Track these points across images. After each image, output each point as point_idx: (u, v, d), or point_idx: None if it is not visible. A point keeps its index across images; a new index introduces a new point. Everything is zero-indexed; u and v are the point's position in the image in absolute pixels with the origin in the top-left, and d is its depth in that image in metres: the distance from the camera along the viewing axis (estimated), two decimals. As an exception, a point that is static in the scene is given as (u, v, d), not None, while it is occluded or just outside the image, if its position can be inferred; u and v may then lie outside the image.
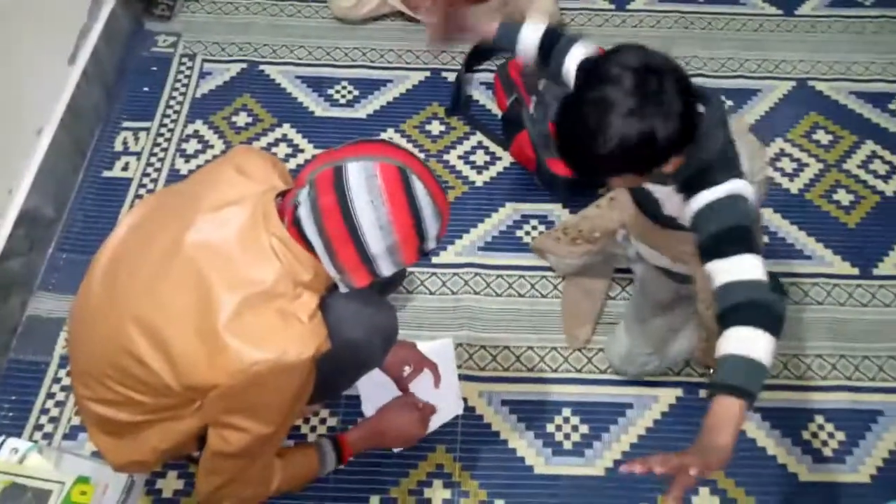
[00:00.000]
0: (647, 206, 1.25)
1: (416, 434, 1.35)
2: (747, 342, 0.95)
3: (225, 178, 1.04)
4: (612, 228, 1.49)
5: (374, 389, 1.41)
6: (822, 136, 1.89)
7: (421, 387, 1.42)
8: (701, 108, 1.04)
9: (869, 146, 1.87)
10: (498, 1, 2.00)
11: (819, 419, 1.46)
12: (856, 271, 1.66)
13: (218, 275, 0.95)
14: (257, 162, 1.09)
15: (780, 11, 2.17)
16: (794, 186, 1.80)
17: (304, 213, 0.93)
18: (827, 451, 1.43)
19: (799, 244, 1.70)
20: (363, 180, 0.92)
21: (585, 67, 1.05)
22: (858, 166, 1.84)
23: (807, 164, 1.84)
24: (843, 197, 1.78)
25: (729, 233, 1.02)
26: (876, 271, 1.66)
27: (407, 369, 1.41)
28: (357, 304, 1.13)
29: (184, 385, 0.97)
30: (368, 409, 1.40)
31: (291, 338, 0.94)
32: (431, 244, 0.99)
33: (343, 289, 1.01)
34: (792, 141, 1.88)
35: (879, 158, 1.85)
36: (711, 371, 1.45)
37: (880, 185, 1.81)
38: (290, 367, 0.94)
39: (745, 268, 1.00)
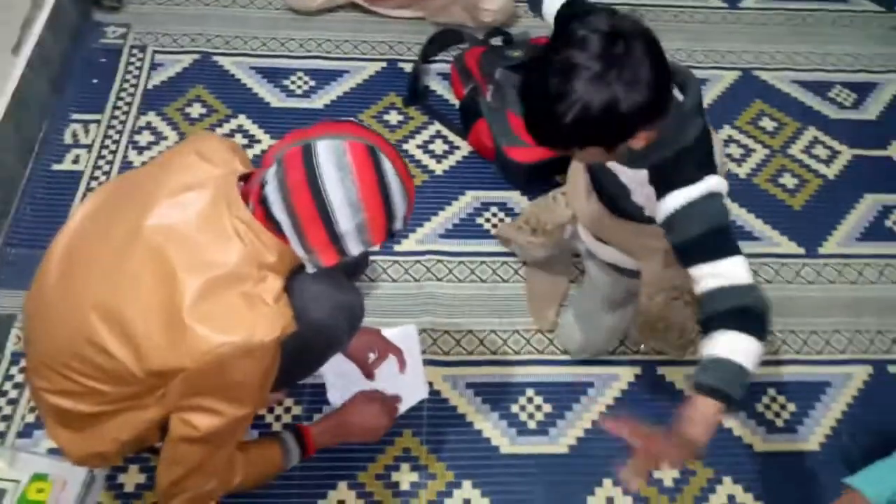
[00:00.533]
0: (611, 196, 1.23)
1: (381, 427, 1.35)
2: (737, 348, 0.97)
3: (185, 162, 1.03)
4: (561, 222, 1.47)
5: (339, 377, 1.41)
6: (768, 123, 1.97)
7: (386, 373, 1.42)
8: (678, 94, 1.02)
9: (811, 132, 1.96)
10: None
11: (771, 391, 1.52)
12: (802, 251, 1.73)
13: (179, 258, 0.94)
14: (217, 146, 1.07)
15: (724, 4, 2.25)
16: (742, 171, 1.87)
17: (272, 192, 0.92)
18: (779, 422, 1.48)
19: (748, 226, 1.76)
20: (333, 157, 0.91)
21: (559, 23, 1.03)
22: (802, 151, 1.92)
23: (753, 150, 1.91)
24: (788, 181, 1.85)
25: (712, 236, 1.02)
26: (821, 250, 1.74)
27: (372, 356, 1.41)
28: (322, 286, 1.13)
29: (148, 371, 0.95)
30: (334, 396, 1.40)
31: (257, 320, 0.93)
32: (399, 224, 0.98)
33: (310, 269, 1.00)
34: (739, 128, 1.95)
35: (821, 143, 1.94)
36: (642, 348, 1.53)
37: (823, 168, 1.89)
38: (256, 350, 0.93)
39: (732, 272, 1.00)
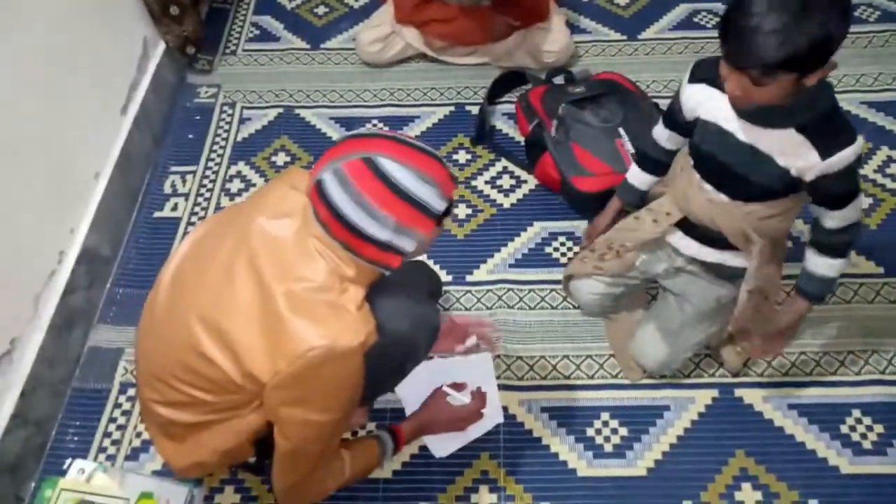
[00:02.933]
0: (739, 177, 1.24)
1: (462, 415, 1.42)
2: (835, 267, 1.27)
3: (280, 193, 1.12)
4: (646, 239, 1.47)
5: (413, 394, 1.48)
6: (837, 145, 1.95)
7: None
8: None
9: (884, 152, 1.93)
10: (513, 41, 2.12)
11: (856, 413, 1.48)
12: (881, 270, 1.70)
13: (273, 272, 1.03)
14: (307, 179, 1.17)
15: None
16: (814, 193, 1.85)
17: (321, 227, 1.01)
18: (867, 444, 1.44)
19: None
20: (338, 185, 0.97)
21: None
22: (875, 171, 1.89)
23: (824, 172, 1.89)
24: (862, 201, 1.82)
25: (850, 192, 1.19)
26: (901, 269, 1.70)
27: (459, 347, 1.50)
28: (402, 301, 1.21)
29: (246, 377, 1.03)
30: (410, 411, 1.47)
31: (342, 326, 1.00)
32: (439, 202, 1.00)
33: (385, 272, 1.07)
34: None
35: (895, 163, 1.90)
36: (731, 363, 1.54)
37: (898, 187, 1.86)
38: (343, 354, 1.00)
39: (850, 215, 1.21)
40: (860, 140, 1.13)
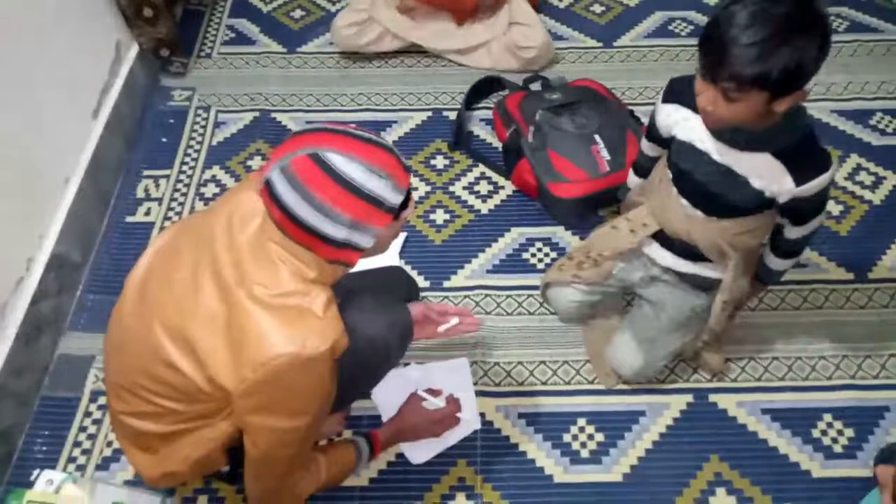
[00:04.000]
0: (714, 195, 1.26)
1: (437, 418, 1.42)
2: (788, 263, 1.39)
3: (242, 197, 1.08)
4: (623, 248, 1.48)
5: (389, 401, 1.48)
6: (809, 153, 1.98)
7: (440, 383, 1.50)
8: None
9: (854, 159, 1.97)
10: (494, 41, 2.13)
11: (827, 417, 1.50)
12: (851, 276, 1.73)
13: (238, 279, 1.00)
14: None
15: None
16: (786, 200, 1.88)
17: (278, 229, 0.99)
18: (837, 448, 1.46)
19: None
20: (286, 184, 0.93)
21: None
22: (846, 178, 1.92)
23: (796, 179, 1.92)
24: (832, 207, 1.86)
25: (818, 210, 1.24)
26: (871, 275, 1.73)
27: (441, 328, 1.39)
28: (373, 305, 1.20)
29: (212, 384, 1.01)
30: (387, 418, 1.47)
31: (308, 332, 0.97)
32: (394, 198, 0.97)
33: (347, 269, 1.05)
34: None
35: (865, 170, 1.94)
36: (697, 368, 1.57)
37: (868, 194, 1.89)
38: (310, 360, 0.97)
39: (810, 228, 1.27)
40: (835, 166, 1.19)
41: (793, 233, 1.29)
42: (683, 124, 1.27)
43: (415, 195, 1.86)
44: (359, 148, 0.94)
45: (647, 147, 1.45)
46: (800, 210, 1.24)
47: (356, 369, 1.13)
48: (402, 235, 1.80)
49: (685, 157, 1.28)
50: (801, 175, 1.16)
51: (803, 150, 1.17)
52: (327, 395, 1.07)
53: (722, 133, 1.20)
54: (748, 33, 0.99)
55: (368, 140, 0.97)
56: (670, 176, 1.34)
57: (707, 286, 1.43)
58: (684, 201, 1.32)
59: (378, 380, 1.35)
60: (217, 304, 1.01)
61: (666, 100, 1.31)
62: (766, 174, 1.18)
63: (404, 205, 1.01)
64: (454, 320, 1.36)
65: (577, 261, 1.55)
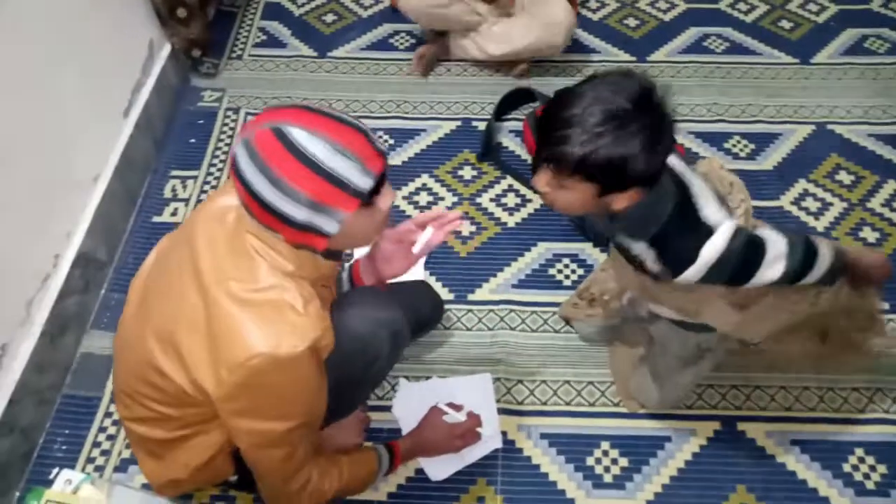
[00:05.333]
0: (634, 264, 1.21)
1: (457, 433, 1.39)
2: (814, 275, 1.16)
3: (225, 190, 1.06)
4: (614, 292, 1.46)
5: (410, 415, 1.46)
6: (845, 177, 1.94)
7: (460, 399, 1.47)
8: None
9: (891, 185, 1.92)
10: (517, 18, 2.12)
11: (859, 452, 1.46)
12: (886, 306, 1.68)
13: (215, 276, 0.97)
14: None
15: (796, 60, 2.26)
16: (820, 225, 1.84)
17: (245, 210, 0.95)
18: (870, 485, 1.42)
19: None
20: (248, 159, 0.89)
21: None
22: (882, 204, 1.88)
23: (831, 204, 1.88)
24: (868, 234, 1.82)
25: (740, 272, 1.10)
26: (907, 306, 1.68)
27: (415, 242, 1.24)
28: (365, 303, 1.17)
29: (198, 388, 0.98)
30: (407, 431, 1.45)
31: (286, 329, 0.93)
32: (362, 182, 0.91)
33: (317, 257, 1.00)
34: (815, 181, 1.93)
35: (902, 197, 1.90)
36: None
37: (905, 222, 1.85)
38: (288, 360, 0.93)
39: (770, 275, 1.11)
40: (710, 248, 1.05)
41: (750, 285, 1.14)
42: None
43: (441, 205, 1.87)
44: (326, 125, 0.89)
45: None
46: (721, 281, 1.12)
47: (344, 370, 1.10)
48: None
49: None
50: (671, 266, 1.09)
51: (670, 239, 1.08)
52: (313, 395, 1.03)
53: (597, 219, 1.15)
54: (578, 117, 0.96)
55: (340, 119, 0.91)
56: None
57: (699, 329, 1.33)
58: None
59: (373, 384, 1.33)
60: (197, 304, 0.97)
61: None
62: (650, 262, 1.13)
63: (377, 191, 0.94)
64: (427, 232, 1.20)
65: (587, 300, 1.54)
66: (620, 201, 1.04)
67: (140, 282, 1.12)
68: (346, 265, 1.28)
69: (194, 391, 0.99)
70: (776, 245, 1.11)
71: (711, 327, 1.33)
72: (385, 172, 0.95)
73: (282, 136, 0.88)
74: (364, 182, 0.91)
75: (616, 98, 0.96)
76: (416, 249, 1.20)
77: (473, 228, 1.83)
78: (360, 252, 1.26)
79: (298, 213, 0.90)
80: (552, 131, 0.99)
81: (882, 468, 1.44)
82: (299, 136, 0.87)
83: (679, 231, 1.08)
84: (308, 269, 0.99)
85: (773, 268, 1.11)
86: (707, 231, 1.07)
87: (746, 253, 1.08)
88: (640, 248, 1.13)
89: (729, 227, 1.07)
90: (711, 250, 1.06)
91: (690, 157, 1.82)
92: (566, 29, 2.08)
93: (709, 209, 1.09)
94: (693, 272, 1.08)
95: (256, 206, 0.91)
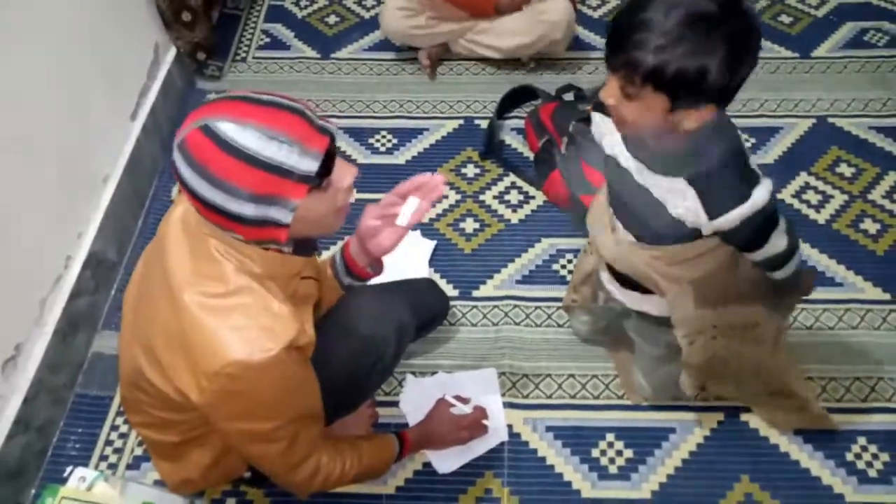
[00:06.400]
0: (640, 219, 1.15)
1: (464, 424, 1.41)
2: (785, 273, 1.19)
3: None
4: (587, 271, 1.42)
5: (417, 410, 1.48)
6: (846, 169, 1.95)
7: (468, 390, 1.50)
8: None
9: (892, 177, 1.93)
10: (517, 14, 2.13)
11: (861, 440, 1.48)
12: (887, 296, 1.69)
13: (182, 281, 0.94)
14: None
15: (795, 54, 2.27)
16: (821, 217, 1.85)
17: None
18: (872, 472, 1.44)
19: (830, 272, 1.74)
20: (184, 163, 0.85)
21: None
22: (883, 196, 1.89)
23: (832, 196, 1.90)
24: (869, 226, 1.83)
25: (758, 238, 1.09)
26: (908, 296, 1.70)
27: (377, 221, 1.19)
28: (370, 301, 1.19)
29: (179, 394, 0.98)
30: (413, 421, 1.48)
31: (258, 334, 0.92)
32: (303, 164, 0.86)
33: (284, 249, 0.97)
34: (816, 174, 1.95)
35: (904, 188, 1.91)
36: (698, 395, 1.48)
37: (906, 213, 1.86)
38: (264, 364, 0.92)
39: (770, 251, 1.12)
40: (759, 195, 1.01)
41: (755, 257, 1.15)
42: (609, 137, 1.14)
43: (445, 203, 1.89)
44: (255, 113, 0.84)
45: None
46: (735, 241, 1.11)
47: (352, 368, 1.12)
48: (432, 244, 1.80)
49: (613, 173, 1.16)
50: (712, 207, 1.02)
51: (716, 178, 1.01)
52: (298, 392, 1.02)
53: (637, 150, 1.08)
54: (655, 19, 0.88)
55: (268, 103, 0.86)
56: (608, 197, 1.23)
57: (665, 324, 1.27)
58: (618, 223, 1.20)
59: (379, 380, 1.34)
60: (170, 313, 0.95)
61: (596, 108, 1.16)
62: (681, 202, 1.05)
63: (326, 170, 0.89)
64: (412, 203, 1.14)
65: (573, 285, 1.52)
66: (691, 119, 0.96)
67: (131, 290, 1.11)
68: (338, 248, 1.27)
69: (180, 398, 0.99)
70: (781, 220, 1.10)
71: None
72: (331, 150, 0.89)
73: (210, 132, 0.83)
74: (307, 165, 0.86)
75: (700, 3, 0.87)
76: (400, 222, 1.14)
77: (477, 225, 1.85)
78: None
79: (246, 209, 0.86)
80: (625, 34, 0.90)
81: (885, 456, 1.45)
82: (227, 129, 0.83)
83: (733, 172, 1.01)
84: (277, 267, 0.96)
85: (781, 238, 1.10)
86: (755, 179, 1.02)
87: (773, 214, 1.06)
88: (674, 187, 1.04)
89: (769, 181, 1.03)
90: (759, 197, 1.00)
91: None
92: (566, 25, 2.10)
93: (751, 160, 1.05)
94: (735, 215, 1.01)
95: (204, 209, 0.88)
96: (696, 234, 1.09)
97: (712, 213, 1.03)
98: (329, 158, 0.89)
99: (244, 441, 1.04)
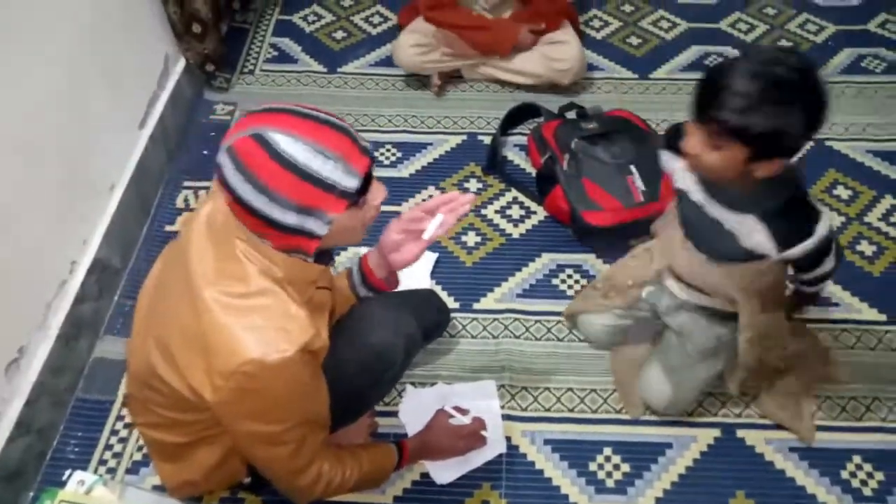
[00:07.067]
0: (711, 243, 1.28)
1: (463, 434, 1.42)
2: (817, 288, 1.36)
3: (215, 194, 1.03)
4: (645, 278, 1.49)
5: (416, 420, 1.48)
6: (842, 192, 1.98)
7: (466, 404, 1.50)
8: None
9: (888, 200, 1.96)
10: (530, 53, 2.18)
11: (857, 459, 1.49)
12: (883, 317, 1.71)
13: (205, 281, 0.97)
14: None
15: (794, 78, 2.30)
16: (819, 238, 1.87)
17: (235, 217, 0.95)
18: (867, 491, 1.45)
19: (826, 292, 1.76)
20: (231, 166, 0.89)
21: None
22: (879, 219, 1.92)
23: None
24: (865, 248, 1.85)
25: (819, 262, 1.24)
26: (904, 317, 1.72)
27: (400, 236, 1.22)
28: (381, 311, 1.21)
29: (193, 393, 0.99)
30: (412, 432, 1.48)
31: (276, 335, 0.94)
32: (347, 182, 0.90)
33: (307, 259, 1.00)
34: (814, 196, 1.97)
35: (900, 212, 1.94)
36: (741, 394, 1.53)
37: (902, 236, 1.88)
38: (279, 365, 0.94)
39: (821, 270, 1.27)
40: (820, 230, 1.15)
41: (805, 275, 1.30)
42: (678, 174, 1.28)
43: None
44: (306, 128, 0.88)
45: None
46: (797, 264, 1.26)
47: (359, 378, 1.13)
48: (434, 256, 1.82)
49: (683, 202, 1.30)
50: (783, 241, 1.17)
51: (787, 215, 1.16)
52: (309, 396, 1.04)
53: (708, 187, 1.21)
54: (741, 83, 1.02)
55: (320, 120, 0.90)
56: (678, 217, 1.34)
57: (728, 316, 1.41)
58: (689, 243, 1.32)
59: (385, 390, 1.36)
60: (189, 311, 0.97)
61: (665, 145, 1.32)
62: (751, 236, 1.19)
63: (364, 189, 0.94)
64: (437, 218, 1.17)
65: (602, 291, 1.56)
66: (764, 169, 1.09)
67: (147, 289, 1.14)
68: (357, 259, 1.30)
69: (194, 397, 1.00)
70: (833, 244, 1.23)
71: (733, 319, 1.38)
72: (371, 170, 0.95)
73: (263, 141, 0.87)
74: (350, 182, 0.91)
75: (784, 71, 1.02)
76: (426, 236, 1.17)
77: (478, 239, 1.87)
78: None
79: (287, 217, 0.90)
80: (716, 95, 1.04)
81: (879, 475, 1.46)
82: (280, 140, 0.87)
83: (800, 208, 1.17)
84: (297, 273, 0.99)
85: (831, 261, 1.25)
86: (816, 215, 1.17)
87: (829, 242, 1.20)
88: (744, 222, 1.18)
89: (826, 215, 1.18)
90: (820, 233, 1.16)
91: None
92: (578, 71, 2.17)
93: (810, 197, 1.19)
94: (800, 249, 1.16)
95: (244, 212, 0.91)
96: (763, 256, 1.22)
97: (782, 247, 1.17)
98: (367, 178, 0.94)
99: (253, 443, 1.06)
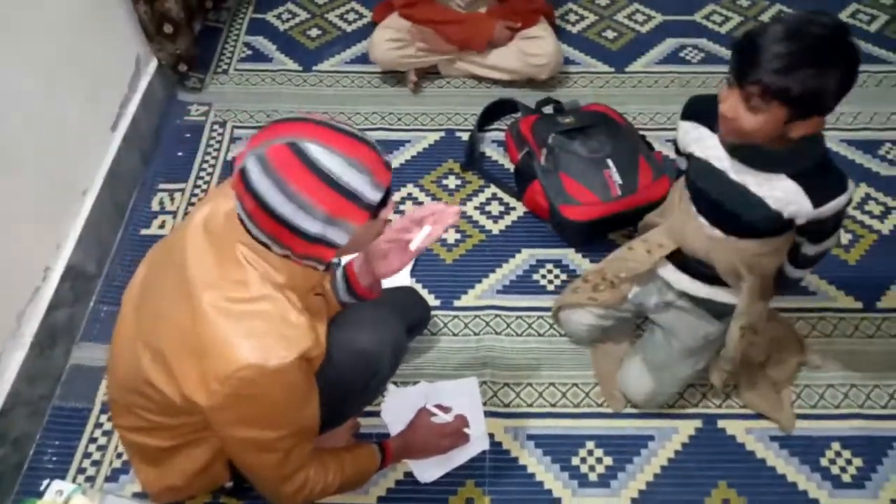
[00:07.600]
0: (732, 214, 1.28)
1: (445, 432, 1.42)
2: (803, 272, 1.40)
3: (217, 201, 1.04)
4: (640, 270, 1.48)
5: (398, 419, 1.48)
6: (818, 181, 2.00)
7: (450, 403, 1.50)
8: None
9: (863, 189, 1.98)
10: (506, 49, 2.18)
11: (836, 446, 1.50)
12: (859, 305, 1.73)
13: (203, 285, 0.97)
14: None
15: (769, 69, 2.32)
16: (795, 228, 1.89)
17: (246, 222, 0.95)
18: (846, 478, 1.46)
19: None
20: (261, 173, 0.88)
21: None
22: (854, 208, 1.94)
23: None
24: (842, 236, 1.87)
25: (836, 228, 1.28)
26: (879, 304, 1.73)
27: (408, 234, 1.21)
28: (369, 316, 1.20)
29: (186, 400, 0.99)
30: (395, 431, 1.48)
31: (274, 341, 0.95)
32: (372, 195, 0.92)
33: (319, 267, 1.01)
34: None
35: (874, 200, 1.96)
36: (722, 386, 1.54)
37: (876, 224, 1.90)
38: (277, 371, 0.94)
39: (826, 246, 1.31)
40: (851, 187, 1.21)
41: (810, 250, 1.32)
42: (700, 143, 1.30)
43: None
44: (339, 140, 0.90)
45: (681, 162, 1.45)
46: (817, 230, 1.27)
47: (348, 383, 1.13)
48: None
49: (702, 176, 1.30)
50: (819, 196, 1.19)
51: (820, 172, 1.20)
52: (304, 403, 1.05)
53: (739, 151, 1.22)
54: (780, 44, 1.05)
55: (349, 133, 0.92)
56: (688, 195, 1.36)
57: (721, 313, 1.44)
58: (703, 220, 1.34)
59: (372, 395, 1.35)
60: (186, 314, 0.97)
61: (684, 117, 1.34)
62: (783, 196, 1.21)
63: (383, 203, 0.96)
64: (425, 230, 1.16)
65: (592, 283, 1.56)
66: (802, 128, 1.12)
67: (132, 293, 1.13)
68: (340, 267, 1.30)
69: (185, 403, 1.00)
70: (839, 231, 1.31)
71: (723, 316, 1.42)
72: (391, 185, 0.97)
73: (298, 150, 0.88)
74: (375, 195, 0.93)
75: (819, 30, 1.05)
76: (413, 246, 1.17)
77: (458, 236, 1.87)
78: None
79: (312, 226, 0.91)
80: (752, 58, 1.06)
81: (858, 461, 1.48)
82: (315, 151, 0.89)
83: (831, 166, 1.22)
84: (299, 279, 0.99)
85: (835, 235, 1.30)
86: (843, 172, 1.22)
87: (846, 208, 1.24)
88: (776, 182, 1.20)
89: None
90: (852, 188, 1.21)
91: (669, 164, 1.86)
92: (554, 66, 2.17)
93: None
94: (835, 204, 1.19)
95: (268, 219, 0.91)
96: (782, 228, 1.26)
97: (818, 203, 1.19)
98: (388, 192, 0.96)
99: (244, 449, 1.05)
